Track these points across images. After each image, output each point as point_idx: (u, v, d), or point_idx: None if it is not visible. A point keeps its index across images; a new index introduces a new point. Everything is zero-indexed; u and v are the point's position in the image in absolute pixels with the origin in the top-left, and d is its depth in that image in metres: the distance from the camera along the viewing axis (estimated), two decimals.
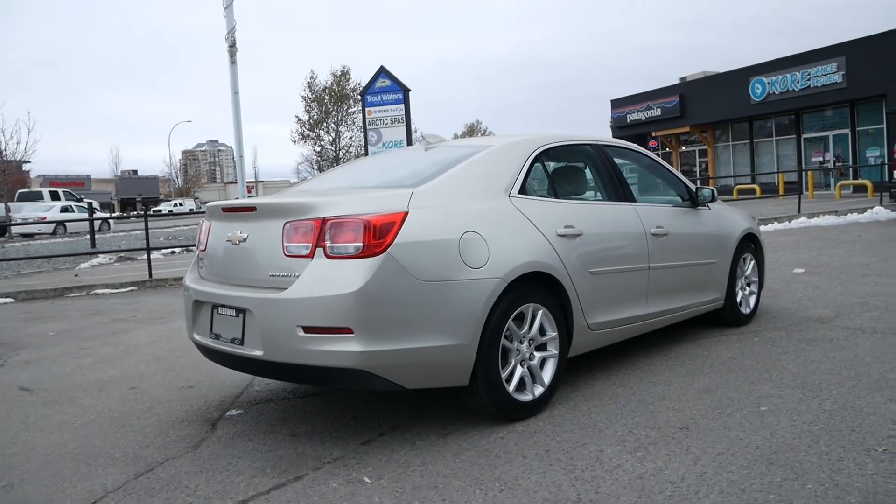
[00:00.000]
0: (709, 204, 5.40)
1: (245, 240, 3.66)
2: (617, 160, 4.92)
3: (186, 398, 4.66)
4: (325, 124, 48.77)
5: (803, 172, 25.74)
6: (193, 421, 4.16)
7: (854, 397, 3.73)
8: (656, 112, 32.93)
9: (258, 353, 3.46)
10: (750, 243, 5.83)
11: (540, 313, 3.80)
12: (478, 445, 3.44)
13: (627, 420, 3.64)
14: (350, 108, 47.38)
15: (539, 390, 3.80)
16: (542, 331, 3.86)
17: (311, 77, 48.84)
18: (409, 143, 41.03)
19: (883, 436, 3.18)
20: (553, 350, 3.90)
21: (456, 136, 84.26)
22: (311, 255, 3.34)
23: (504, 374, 3.63)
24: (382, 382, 3.31)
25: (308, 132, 48.96)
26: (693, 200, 5.22)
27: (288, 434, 3.81)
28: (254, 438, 3.77)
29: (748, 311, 5.76)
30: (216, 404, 4.46)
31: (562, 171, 4.64)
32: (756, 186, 26.66)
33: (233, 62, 11.13)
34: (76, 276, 12.93)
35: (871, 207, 15.27)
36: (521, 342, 3.75)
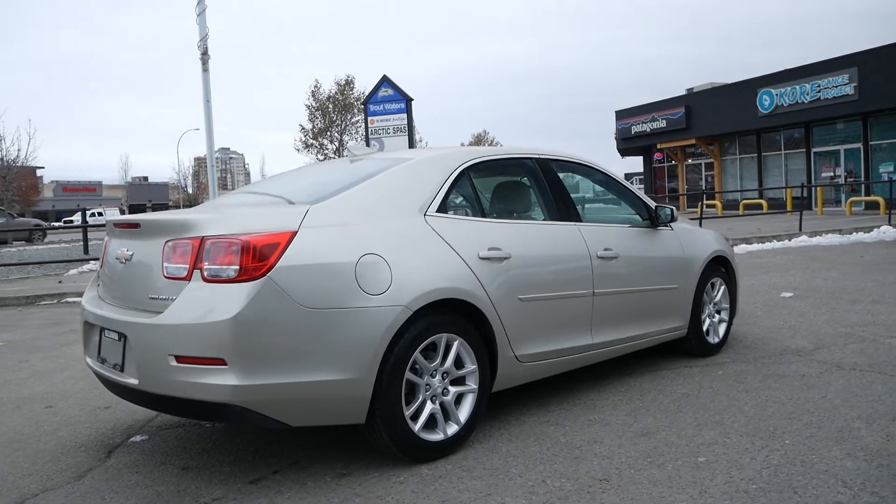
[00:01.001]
0: (672, 224, 4.98)
1: (130, 258, 3.33)
2: (568, 175, 4.52)
3: (98, 420, 4.40)
4: (328, 133, 48.58)
5: (812, 188, 25.20)
6: (92, 447, 3.89)
7: (808, 450, 3.28)
8: (661, 124, 32.43)
9: (134, 381, 3.13)
10: (720, 267, 5.39)
11: (456, 344, 3.40)
12: (371, 491, 3.04)
13: (546, 467, 3.22)
14: (354, 118, 47.15)
15: (453, 429, 3.39)
16: (459, 363, 3.45)
17: (315, 86, 48.70)
18: None
19: (828, 502, 2.74)
20: (472, 384, 3.49)
21: (462, 145, 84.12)
22: (188, 278, 2.97)
23: (409, 412, 3.22)
24: (262, 420, 2.93)
25: (311, 141, 48.76)
26: (652, 220, 4.80)
27: (179, 467, 3.51)
28: (142, 470, 3.49)
29: (717, 340, 5.32)
30: (124, 428, 4.19)
31: (493, 187, 4.25)
32: (763, 202, 26.15)
33: (205, 70, 10.83)
34: (60, 282, 12.69)
35: (879, 226, 14.74)
36: (433, 376, 3.34)
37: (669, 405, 4.09)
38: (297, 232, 3.00)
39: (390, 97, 41.55)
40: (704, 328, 5.20)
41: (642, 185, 40.37)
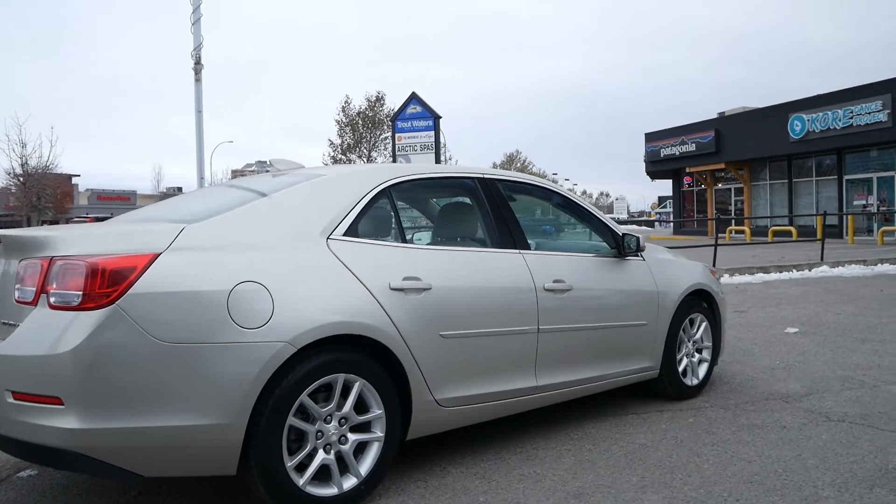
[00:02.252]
0: (643, 254, 4.51)
1: None
2: (521, 198, 4.10)
3: None
4: (357, 149, 48.59)
5: (844, 216, 24.31)
6: None
7: None
8: (691, 147, 31.69)
9: None
10: (701, 302, 4.90)
11: (357, 386, 2.98)
12: None
13: None
14: (383, 135, 47.10)
15: (350, 482, 2.97)
16: (363, 407, 3.04)
17: (346, 101, 48.78)
18: None
19: None
20: (378, 432, 3.07)
21: (494, 166, 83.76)
22: (35, 303, 2.61)
23: (292, 462, 2.81)
24: (107, 469, 2.55)
25: (340, 156, 48.79)
26: (619, 249, 4.34)
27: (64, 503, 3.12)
28: None
29: (695, 382, 4.81)
30: (14, 462, 3.79)
31: (424, 209, 3.84)
32: (793, 229, 25.27)
33: (197, 80, 10.64)
34: None
35: None
36: (328, 421, 2.93)
37: (620, 458, 3.62)
38: (159, 254, 2.63)
39: (418, 114, 41.47)
40: (680, 369, 4.70)
41: (670, 210, 39.64)
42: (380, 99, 48.70)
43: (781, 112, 27.02)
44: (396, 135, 40.15)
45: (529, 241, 3.96)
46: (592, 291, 4.07)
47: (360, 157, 48.50)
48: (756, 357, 6.04)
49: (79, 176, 67.01)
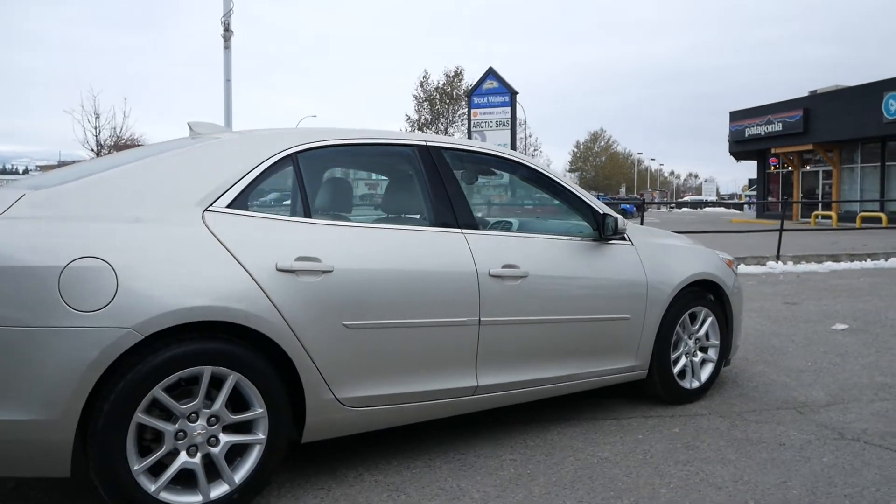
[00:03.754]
0: (632, 237, 3.94)
1: None
2: (475, 169, 3.61)
3: None
4: (435, 126, 48.27)
5: None
6: None
7: None
8: (777, 127, 29.79)
9: None
10: (707, 293, 4.28)
11: (230, 381, 2.59)
12: None
13: None
14: (461, 111, 46.59)
15: (221, 490, 2.59)
16: (243, 405, 2.66)
17: (425, 76, 48.47)
18: (514, 147, 39.82)
19: None
20: (259, 434, 2.68)
21: (578, 143, 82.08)
22: None
23: (141, 465, 2.44)
24: None
25: (417, 132, 48.68)
26: (601, 231, 3.78)
27: None
28: None
29: (696, 384, 4.21)
30: None
31: (337, 180, 3.40)
32: (883, 215, 23.41)
33: (227, 47, 10.42)
34: None
35: None
36: (193, 420, 2.56)
37: (567, 475, 3.12)
38: None
39: (495, 90, 40.74)
40: (676, 370, 4.12)
41: (755, 192, 37.69)
42: (458, 74, 48.19)
43: (875, 90, 24.92)
44: (472, 110, 39.53)
45: (493, 220, 3.48)
46: (557, 279, 3.54)
47: (437, 132, 48.27)
48: (787, 356, 5.34)
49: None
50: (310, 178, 3.11)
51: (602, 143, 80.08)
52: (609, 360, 3.81)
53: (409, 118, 48.70)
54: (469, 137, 38.68)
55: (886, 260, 11.64)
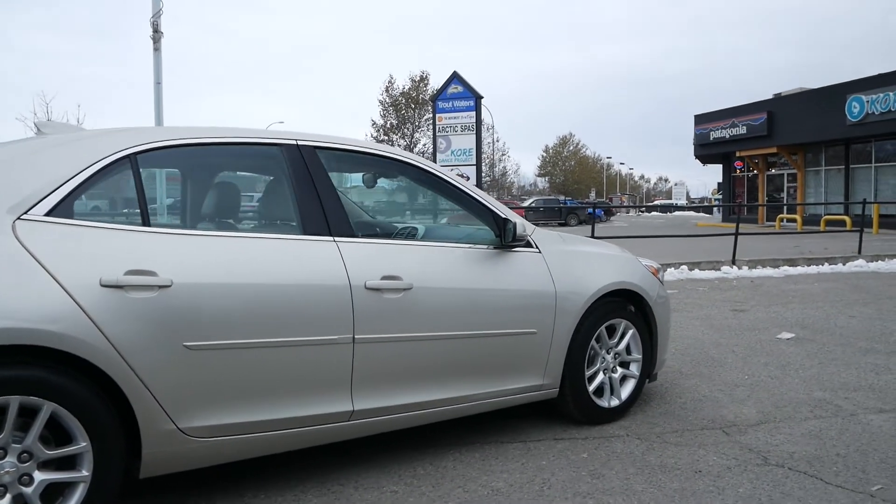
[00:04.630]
0: (539, 245, 3.59)
1: None
2: (357, 170, 3.24)
3: None
4: (401, 130, 47.94)
5: None
6: None
7: None
8: (741, 130, 29.83)
9: None
10: (628, 304, 3.94)
11: (44, 412, 2.22)
12: None
13: None
14: (427, 116, 46.31)
15: None
16: (66, 438, 2.28)
17: (390, 81, 48.12)
18: (479, 151, 39.49)
19: None
20: (84, 471, 2.30)
21: (546, 148, 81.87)
22: None
23: None
24: None
25: (383, 137, 48.24)
26: (503, 238, 3.42)
27: None
28: None
29: (615, 403, 3.88)
30: None
31: (191, 184, 3.02)
32: (847, 218, 23.44)
33: (156, 49, 9.99)
34: None
35: None
36: (2, 456, 2.18)
37: None
38: None
39: (460, 94, 40.47)
40: (592, 387, 3.77)
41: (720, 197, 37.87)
42: (424, 79, 47.94)
43: (839, 93, 25.01)
44: (437, 115, 39.22)
45: (401, 227, 3.13)
46: (448, 291, 3.18)
47: (402, 137, 47.93)
48: (724, 369, 5.03)
49: None
50: (150, 183, 2.73)
51: (571, 148, 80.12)
52: (513, 378, 3.45)
53: (374, 123, 48.34)
54: (434, 142, 38.50)
55: (844, 264, 11.47)
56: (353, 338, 2.86)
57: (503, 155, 56.03)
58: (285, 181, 3.00)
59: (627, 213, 63.48)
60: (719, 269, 11.09)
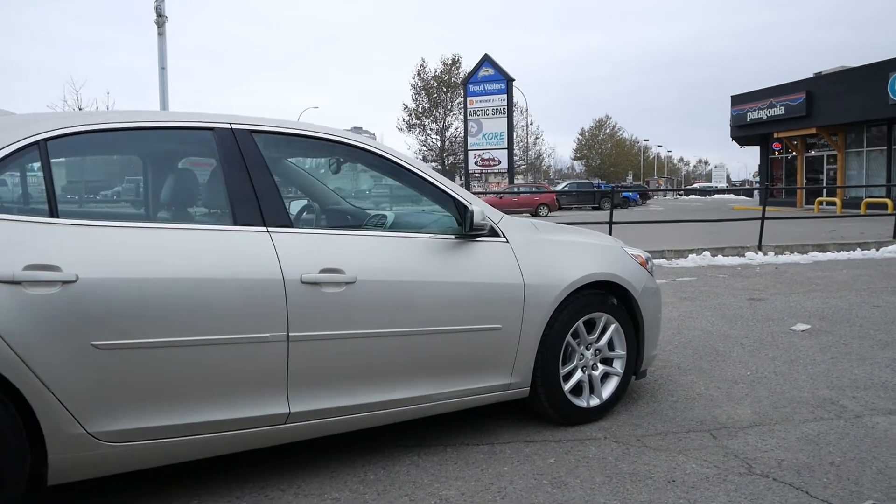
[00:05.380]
0: (507, 234, 3.34)
1: None
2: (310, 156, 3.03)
3: None
4: (433, 114, 47.59)
5: None
6: None
7: None
8: (779, 110, 28.87)
9: None
10: (610, 297, 3.66)
11: None
12: None
13: None
14: (459, 100, 45.87)
15: None
16: None
17: (422, 65, 47.72)
18: (510, 134, 38.99)
19: None
20: None
21: (582, 131, 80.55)
22: None
23: None
24: None
25: (415, 121, 47.96)
26: (465, 226, 3.17)
27: None
28: None
29: (595, 402, 3.62)
30: None
31: (107, 173, 2.83)
32: (889, 200, 22.52)
33: (160, 34, 9.87)
34: None
35: None
36: None
37: None
38: None
39: (490, 77, 40.03)
40: (568, 386, 3.52)
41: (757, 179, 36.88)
42: (456, 62, 47.44)
43: (881, 71, 23.94)
44: (468, 98, 38.89)
45: (374, 214, 2.92)
46: (399, 285, 2.94)
47: (434, 121, 47.60)
48: (727, 363, 4.72)
49: None
50: (62, 171, 2.56)
51: (607, 131, 78.80)
52: (475, 377, 3.21)
53: (406, 107, 48.05)
54: (465, 126, 38.04)
55: (878, 250, 10.93)
56: (288, 336, 2.66)
57: (537, 138, 55.32)
58: (217, 168, 2.80)
59: (665, 196, 62.36)
60: (743, 255, 10.66)
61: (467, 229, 3.11)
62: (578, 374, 3.58)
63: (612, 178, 71.66)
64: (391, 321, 2.91)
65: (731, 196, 52.53)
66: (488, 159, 37.11)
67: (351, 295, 2.81)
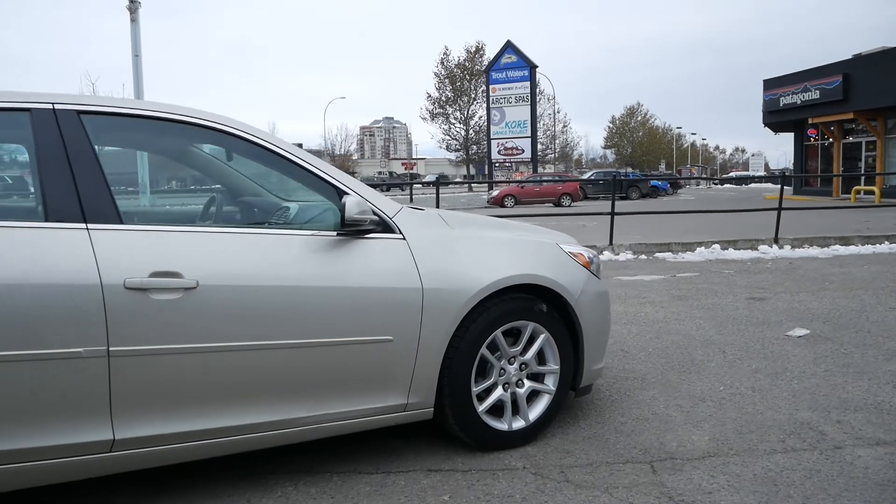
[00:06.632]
0: (405, 230, 2.82)
1: None
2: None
3: None
4: (457, 103, 46.91)
5: None
6: None
7: None
8: (814, 95, 27.62)
9: None
10: (539, 302, 3.11)
11: None
12: None
13: None
14: (482, 88, 45.19)
15: None
16: None
17: (445, 53, 47.04)
18: (534, 123, 38.24)
19: None
20: None
21: (613, 119, 78.91)
22: None
23: None
24: None
25: (438, 111, 47.33)
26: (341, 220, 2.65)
27: None
28: None
29: (520, 424, 3.09)
30: None
31: None
32: None
33: (133, 20, 9.49)
34: None
35: None
36: None
37: None
38: None
39: (513, 64, 39.31)
40: (484, 406, 2.99)
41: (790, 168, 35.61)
42: (480, 49, 46.68)
43: None
44: (491, 86, 38.17)
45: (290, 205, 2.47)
46: (253, 291, 2.44)
47: (459, 110, 46.97)
48: (699, 377, 4.14)
49: None
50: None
51: (639, 118, 77.14)
52: (361, 397, 2.71)
53: (429, 96, 47.42)
54: (488, 114, 37.27)
55: None
56: (108, 350, 2.20)
57: (565, 126, 54.28)
58: (32, 154, 2.34)
59: (698, 185, 60.81)
60: (757, 249, 9.95)
61: (341, 224, 2.60)
62: (498, 392, 3.05)
63: (644, 166, 70.17)
64: (246, 333, 2.42)
65: (770, 185, 50.88)
66: (511, 148, 36.44)
67: (191, 303, 2.33)
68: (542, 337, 3.12)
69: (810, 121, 29.00)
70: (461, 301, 2.83)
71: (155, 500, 2.61)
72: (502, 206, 26.72)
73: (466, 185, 44.95)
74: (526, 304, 3.05)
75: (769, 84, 30.94)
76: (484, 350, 2.95)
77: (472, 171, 49.77)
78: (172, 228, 2.42)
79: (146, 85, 10.39)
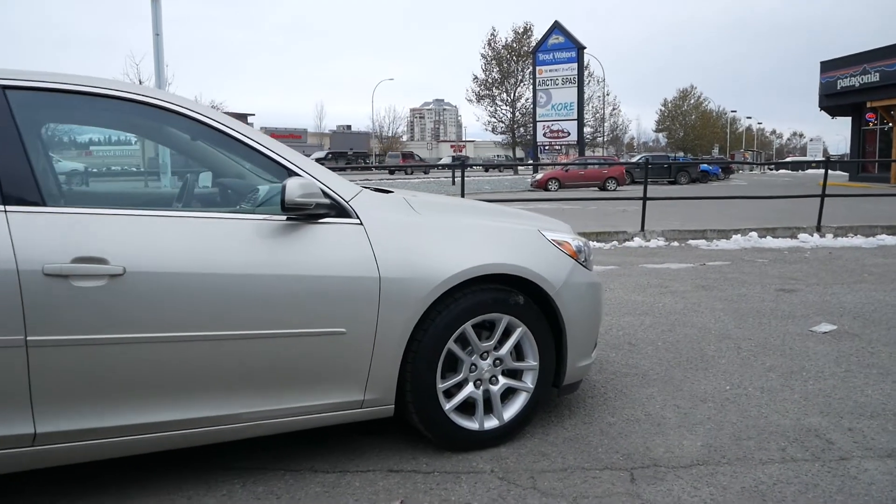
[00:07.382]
0: (361, 213, 2.62)
1: None
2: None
3: None
4: (504, 85, 46.32)
5: None
6: None
7: None
8: (874, 77, 26.37)
9: None
10: (516, 294, 2.89)
11: None
12: None
13: None
14: (530, 69, 44.48)
15: None
16: None
17: (492, 34, 46.47)
18: (581, 105, 37.48)
19: None
20: None
21: (665, 102, 77.05)
22: None
23: None
24: None
25: (485, 92, 46.83)
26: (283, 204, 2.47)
27: None
28: None
29: (493, 424, 2.88)
30: None
31: None
32: None
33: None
34: None
35: None
36: None
37: None
38: None
39: (560, 45, 38.55)
40: (451, 404, 2.80)
41: (846, 152, 34.23)
42: (528, 30, 45.96)
43: None
44: (537, 68, 37.50)
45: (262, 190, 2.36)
46: (187, 278, 2.28)
47: (506, 92, 46.43)
48: (706, 374, 3.87)
49: (254, 115, 70.22)
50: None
51: (692, 101, 75.13)
52: (311, 392, 2.54)
53: (476, 78, 46.93)
54: (534, 97, 36.60)
55: None
56: (26, 340, 2.08)
57: (614, 109, 53.20)
58: None
59: (751, 170, 59.03)
60: (796, 237, 9.47)
61: (282, 207, 2.42)
62: (469, 389, 2.85)
63: (696, 150, 68.44)
64: (178, 323, 2.27)
65: (830, 171, 49.09)
66: (557, 131, 35.82)
67: (116, 290, 2.18)
68: (518, 331, 2.90)
69: (869, 104, 27.73)
70: (424, 291, 2.63)
71: (85, 496, 2.50)
72: (546, 189, 26.27)
73: (506, 168, 44.35)
74: (499, 295, 2.83)
75: (826, 66, 29.69)
76: (452, 344, 2.75)
77: (521, 154, 49.18)
78: (99, 211, 2.27)
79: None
